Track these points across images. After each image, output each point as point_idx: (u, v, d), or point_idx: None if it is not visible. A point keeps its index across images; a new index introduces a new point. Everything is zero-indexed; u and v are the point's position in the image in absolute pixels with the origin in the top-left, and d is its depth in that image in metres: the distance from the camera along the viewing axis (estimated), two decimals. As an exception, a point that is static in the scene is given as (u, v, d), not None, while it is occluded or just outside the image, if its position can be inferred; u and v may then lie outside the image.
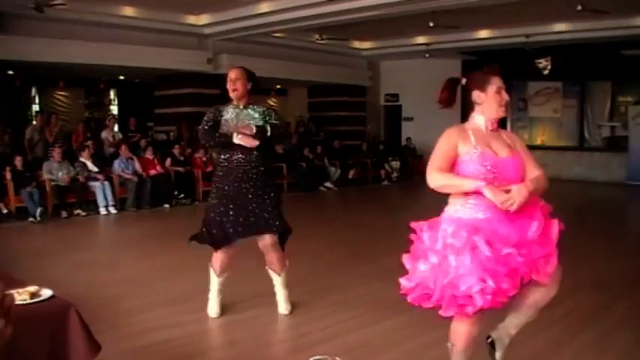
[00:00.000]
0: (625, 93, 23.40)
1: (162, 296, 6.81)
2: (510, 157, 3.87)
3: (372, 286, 7.12)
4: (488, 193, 3.59)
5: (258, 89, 6.46)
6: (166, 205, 14.41)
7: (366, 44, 22.51)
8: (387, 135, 25.13)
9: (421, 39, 20.54)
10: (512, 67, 22.54)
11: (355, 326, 5.80)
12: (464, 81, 4.21)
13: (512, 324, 4.18)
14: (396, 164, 21.00)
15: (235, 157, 5.83)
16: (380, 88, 25.08)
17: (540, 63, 21.18)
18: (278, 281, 6.17)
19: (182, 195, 14.98)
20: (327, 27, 17.79)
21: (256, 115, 6.10)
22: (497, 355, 4.19)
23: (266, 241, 5.98)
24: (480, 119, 4.15)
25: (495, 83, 4.01)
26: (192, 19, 17.16)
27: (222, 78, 18.66)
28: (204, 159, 15.82)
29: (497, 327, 4.22)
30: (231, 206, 5.83)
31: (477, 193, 3.69)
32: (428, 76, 23.45)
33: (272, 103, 25.70)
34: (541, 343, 5.29)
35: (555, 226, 3.80)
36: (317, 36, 19.11)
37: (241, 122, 5.94)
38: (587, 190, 18.23)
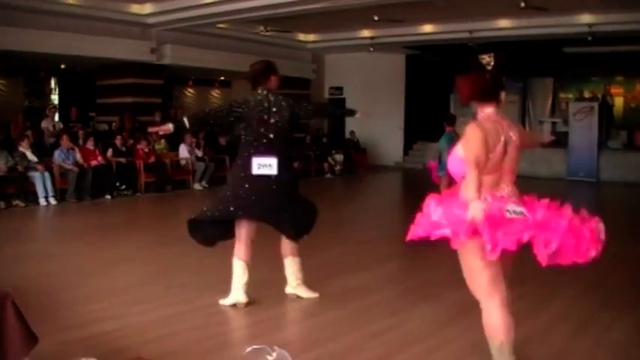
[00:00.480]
0: (566, 90, 23.92)
1: (104, 287, 6.70)
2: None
3: (312, 278, 7.10)
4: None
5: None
6: (108, 197, 14.19)
7: (311, 37, 22.52)
8: (331, 128, 25.17)
9: (366, 32, 20.62)
10: (456, 62, 22.73)
11: (299, 318, 5.80)
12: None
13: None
14: (339, 157, 21.03)
15: None
16: (324, 81, 25.14)
17: (483, 59, 21.30)
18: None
19: (124, 186, 14.78)
20: (272, 19, 17.74)
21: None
22: None
23: None
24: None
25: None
26: (135, 8, 16.92)
27: (166, 68, 18.46)
28: (147, 150, 15.63)
29: None
30: None
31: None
32: (372, 69, 23.68)
33: (215, 95, 25.55)
34: (469, 342, 5.36)
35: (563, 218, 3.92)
36: (261, 28, 19.04)
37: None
38: (529, 185, 18.40)
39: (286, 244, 6.41)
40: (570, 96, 23.42)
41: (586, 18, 17.25)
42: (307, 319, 5.84)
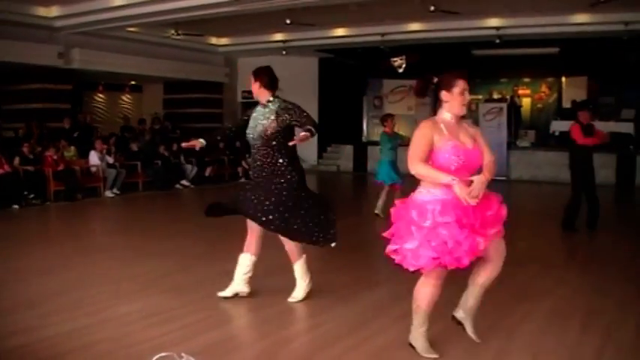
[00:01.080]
0: (476, 91, 24.36)
1: (16, 300, 6.48)
2: (475, 148, 4.70)
3: (227, 283, 7.04)
4: (457, 189, 4.39)
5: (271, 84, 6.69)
6: (16, 206, 13.71)
7: (223, 40, 22.34)
8: (245, 132, 24.99)
9: (279, 36, 20.61)
10: (368, 65, 23.02)
11: (211, 325, 5.71)
12: (435, 80, 4.88)
13: (468, 304, 5.11)
14: (253, 162, 20.88)
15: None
16: (237, 84, 24.97)
17: (395, 61, 21.67)
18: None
19: (32, 195, 14.33)
20: (183, 22, 17.53)
21: (264, 112, 6.49)
22: (469, 331, 5.13)
23: None
24: (447, 115, 4.76)
25: (460, 85, 4.74)
26: (42, 11, 16.41)
27: (74, 73, 18.01)
28: (55, 157, 15.21)
29: (457, 310, 5.19)
30: None
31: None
32: (285, 73, 23.26)
33: (126, 100, 25.12)
34: (387, 339, 5.38)
35: (504, 210, 4.92)
36: (172, 31, 18.78)
37: (253, 120, 6.39)
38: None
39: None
40: (480, 97, 23.93)
41: (494, 21, 17.66)
42: (222, 326, 5.75)
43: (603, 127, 20.24)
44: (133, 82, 24.44)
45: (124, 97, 25.19)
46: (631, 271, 8.09)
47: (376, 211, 12.62)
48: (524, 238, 10.92)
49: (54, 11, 16.50)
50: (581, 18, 16.68)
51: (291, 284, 6.89)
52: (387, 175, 12.32)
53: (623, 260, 8.91)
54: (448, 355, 5.02)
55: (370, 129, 25.40)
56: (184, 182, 18.10)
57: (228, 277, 6.88)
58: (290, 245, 6.47)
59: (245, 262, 6.55)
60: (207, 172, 19.49)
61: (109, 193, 15.94)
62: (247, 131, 6.41)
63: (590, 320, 5.93)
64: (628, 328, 5.78)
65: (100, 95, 24.29)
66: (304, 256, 6.54)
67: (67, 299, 6.48)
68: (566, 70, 22.48)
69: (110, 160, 16.52)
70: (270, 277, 7.37)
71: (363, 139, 24.94)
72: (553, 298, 6.64)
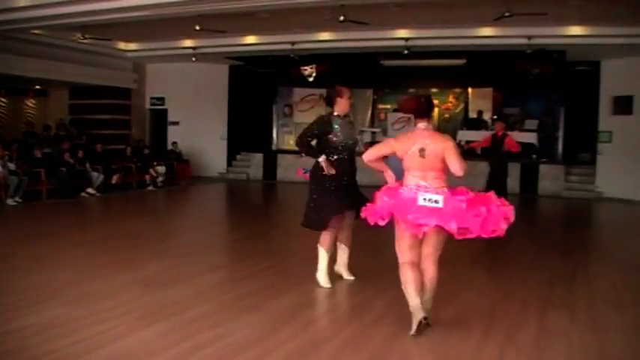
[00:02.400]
0: (385, 101, 24.71)
1: None
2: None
3: (133, 293, 6.93)
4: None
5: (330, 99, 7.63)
6: None
7: (132, 45, 22.00)
8: (153, 139, 24.73)
9: (188, 42, 20.43)
10: (279, 73, 23.04)
11: (115, 336, 5.58)
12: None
13: (427, 300, 5.74)
14: (161, 169, 20.63)
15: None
16: (146, 91, 24.64)
17: (305, 70, 21.74)
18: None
19: None
20: (90, 26, 17.16)
21: (347, 123, 7.62)
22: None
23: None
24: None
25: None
26: (-62, 12, 15.87)
27: None
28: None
29: (421, 310, 5.57)
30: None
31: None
32: (195, 80, 23.53)
33: (30, 105, 24.47)
34: (297, 346, 5.39)
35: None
36: (79, 35, 18.37)
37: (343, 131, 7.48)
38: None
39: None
40: (389, 106, 24.29)
41: (403, 33, 17.94)
42: (127, 337, 5.61)
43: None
44: (37, 87, 23.82)
45: (27, 102, 24.53)
46: (534, 276, 8.33)
47: None
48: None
49: (-47, 11, 15.97)
50: (486, 31, 17.14)
51: (195, 295, 6.84)
52: None
53: (526, 265, 9.20)
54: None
55: (280, 137, 25.41)
56: (90, 190, 17.66)
57: (135, 286, 6.76)
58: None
59: (344, 253, 7.74)
60: (114, 179, 19.12)
61: (10, 201, 15.44)
62: (337, 139, 7.41)
63: (492, 324, 6.08)
64: (529, 330, 5.94)
65: (3, 100, 23.62)
66: None
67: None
68: (473, 81, 22.96)
69: (12, 166, 16.02)
70: (173, 288, 7.29)
71: (273, 147, 24.92)
72: (457, 303, 6.78)
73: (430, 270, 5.75)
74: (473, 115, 22.99)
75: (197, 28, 16.33)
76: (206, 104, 23.88)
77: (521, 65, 19.58)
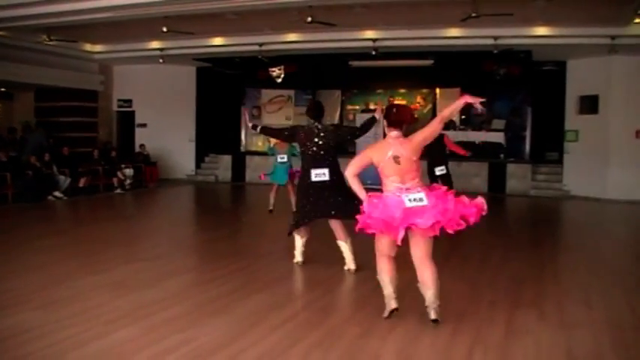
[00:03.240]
0: (352, 102, 24.74)
1: None
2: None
3: (102, 297, 6.89)
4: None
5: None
6: None
7: (98, 47, 21.81)
8: (120, 141, 24.54)
9: (155, 44, 20.33)
10: (246, 74, 22.99)
11: (84, 340, 5.55)
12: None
13: (430, 297, 6.01)
14: (129, 172, 20.46)
15: None
16: (113, 93, 24.46)
17: (274, 71, 21.72)
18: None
19: None
20: (56, 27, 17.00)
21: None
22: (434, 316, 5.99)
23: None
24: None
25: None
26: None
27: None
28: None
29: (394, 300, 6.18)
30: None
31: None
32: (162, 81, 23.39)
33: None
34: (267, 348, 5.38)
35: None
36: (45, 36, 18.18)
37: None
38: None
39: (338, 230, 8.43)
40: (357, 107, 24.30)
41: (370, 34, 18.00)
42: (94, 341, 5.56)
43: (475, 136, 21.09)
44: (2, 89, 23.54)
45: (-9, 105, 24.27)
46: (502, 275, 8.42)
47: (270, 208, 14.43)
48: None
49: None
50: (453, 32, 17.24)
51: (163, 299, 6.81)
52: (280, 177, 14.04)
53: (494, 265, 9.25)
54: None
55: (249, 139, 25.34)
56: (57, 194, 17.48)
57: (106, 290, 6.71)
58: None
59: (345, 248, 8.44)
60: (82, 182, 18.95)
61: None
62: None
63: (461, 323, 6.11)
64: (497, 328, 6.00)
65: (-34, 103, 23.35)
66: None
67: None
68: (440, 81, 23.01)
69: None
70: (140, 292, 7.24)
71: (242, 148, 24.85)
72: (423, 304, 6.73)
73: (428, 270, 6.05)
74: (441, 115, 23.05)
75: (164, 29, 16.24)
76: (174, 106, 23.77)
77: (487, 65, 19.73)
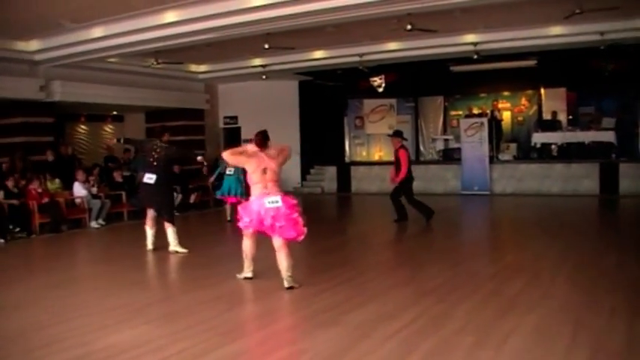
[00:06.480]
0: (456, 107, 24.57)
1: (2, 333, 6.46)
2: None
3: (210, 311, 7.01)
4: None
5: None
6: (1, 240, 13.65)
7: (203, 67, 22.45)
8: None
9: (257, 61, 20.72)
10: (348, 85, 23.16)
11: (198, 354, 5.63)
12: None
13: (284, 271, 8.03)
14: (238, 187, 20.84)
15: None
16: (218, 110, 25.06)
17: (375, 81, 21.82)
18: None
19: (17, 228, 14.28)
20: (162, 51, 17.59)
21: None
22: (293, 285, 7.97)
23: None
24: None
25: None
26: (21, 45, 16.48)
27: (56, 105, 18.35)
28: (40, 190, 15.18)
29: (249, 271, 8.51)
30: None
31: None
32: (266, 97, 23.79)
33: (108, 130, 25.11)
34: (388, 352, 5.43)
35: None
36: (153, 60, 18.83)
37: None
38: (425, 202, 18.79)
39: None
40: (460, 113, 24.11)
41: (471, 37, 17.85)
42: (211, 352, 5.72)
43: (584, 136, 20.51)
44: (114, 113, 24.46)
45: (106, 128, 25.18)
46: (620, 280, 8.08)
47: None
48: (509, 252, 11.04)
49: (34, 45, 16.56)
50: (556, 30, 16.90)
51: (272, 311, 6.91)
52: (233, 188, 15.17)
53: (610, 270, 8.89)
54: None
55: (353, 149, 25.49)
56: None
57: (216, 303, 6.88)
58: None
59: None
60: (192, 198, 19.48)
61: (94, 224, 15.89)
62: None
63: (579, 331, 5.91)
64: (618, 337, 5.77)
65: (83, 126, 24.30)
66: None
67: (52, 332, 6.44)
68: (545, 81, 22.62)
69: (94, 190, 16.51)
70: (248, 304, 7.38)
71: (346, 159, 25.01)
72: (540, 312, 6.61)
73: (283, 254, 8.00)
74: (547, 116, 22.59)
75: (266, 46, 16.56)
76: (278, 120, 24.03)
77: (595, 62, 19.24)
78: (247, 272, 8.47)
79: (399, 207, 14.37)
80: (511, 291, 7.49)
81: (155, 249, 11.44)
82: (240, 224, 8.16)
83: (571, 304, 6.91)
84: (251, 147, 8.20)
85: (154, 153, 11.28)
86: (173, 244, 11.23)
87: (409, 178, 14.24)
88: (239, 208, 8.31)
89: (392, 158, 14.92)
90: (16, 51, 16.54)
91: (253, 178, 7.99)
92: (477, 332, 5.95)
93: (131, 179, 18.02)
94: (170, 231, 11.31)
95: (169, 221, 11.34)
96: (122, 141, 13.29)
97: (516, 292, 7.42)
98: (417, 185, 20.81)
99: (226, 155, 8.36)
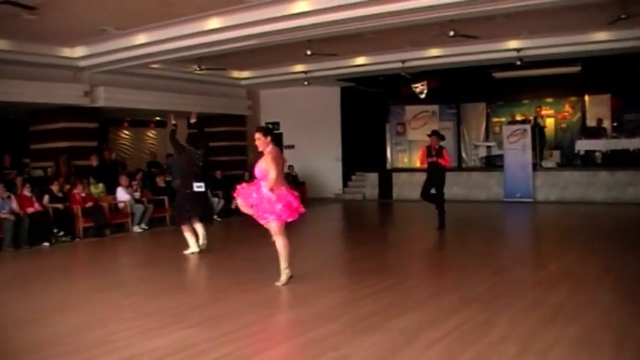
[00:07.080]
0: (498, 113, 24.37)
1: (46, 336, 6.54)
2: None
3: (254, 315, 7.05)
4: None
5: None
6: (46, 244, 13.85)
7: (245, 73, 22.56)
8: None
9: (299, 67, 20.77)
10: (390, 92, 23.11)
11: (242, 357, 5.67)
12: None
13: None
14: (279, 192, 20.89)
15: None
16: (260, 116, 25.16)
17: (417, 87, 21.77)
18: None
19: (62, 232, 14.49)
20: (205, 57, 17.73)
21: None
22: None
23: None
24: None
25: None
26: (66, 52, 16.72)
27: (100, 111, 18.68)
28: (83, 195, 15.37)
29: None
30: None
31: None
32: (308, 103, 23.85)
33: (151, 135, 25.33)
34: (431, 359, 5.41)
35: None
36: (195, 66, 19.00)
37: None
38: (467, 209, 18.67)
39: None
40: (503, 119, 23.92)
41: (514, 43, 17.74)
42: (254, 357, 5.74)
43: (628, 144, 20.19)
44: (157, 118, 24.66)
45: (149, 133, 25.40)
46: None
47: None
48: (554, 259, 10.92)
49: (78, 51, 16.79)
50: (600, 36, 16.72)
51: (313, 317, 6.90)
52: None
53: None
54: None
55: (394, 156, 25.41)
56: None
57: (260, 308, 6.89)
58: None
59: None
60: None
61: (137, 229, 16.06)
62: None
63: (624, 340, 5.83)
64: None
65: (126, 132, 24.53)
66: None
67: (95, 335, 6.51)
68: (589, 88, 22.35)
69: (137, 195, 16.68)
70: (287, 311, 7.39)
71: (388, 166, 24.94)
72: (585, 320, 6.52)
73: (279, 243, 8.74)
74: (591, 123, 22.32)
75: (308, 52, 16.60)
76: (320, 126, 24.18)
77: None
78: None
79: (442, 212, 14.21)
80: (555, 299, 7.39)
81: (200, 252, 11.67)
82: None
83: (616, 313, 6.82)
84: (269, 148, 9.41)
85: (197, 161, 12.31)
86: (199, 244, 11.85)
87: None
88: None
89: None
90: (62, 57, 16.79)
91: (279, 178, 9.07)
92: (521, 341, 5.88)
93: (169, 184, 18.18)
94: (201, 230, 11.98)
95: (202, 221, 12.11)
96: (193, 124, 14.17)
97: (560, 301, 7.32)
98: (458, 192, 20.74)
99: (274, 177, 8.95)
